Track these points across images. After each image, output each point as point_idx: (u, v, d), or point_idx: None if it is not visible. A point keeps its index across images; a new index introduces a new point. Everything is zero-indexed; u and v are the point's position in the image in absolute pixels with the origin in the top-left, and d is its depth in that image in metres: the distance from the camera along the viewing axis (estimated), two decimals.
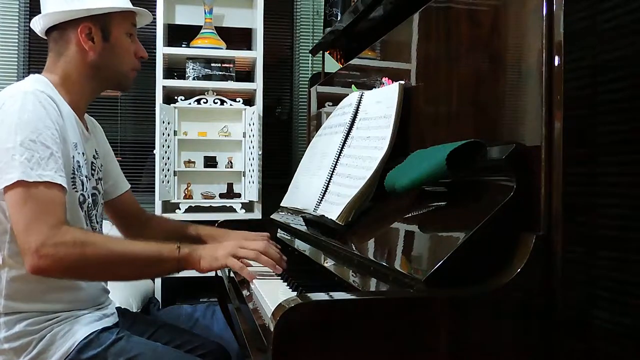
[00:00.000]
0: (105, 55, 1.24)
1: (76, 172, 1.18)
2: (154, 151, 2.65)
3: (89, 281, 1.22)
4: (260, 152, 2.71)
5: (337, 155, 1.31)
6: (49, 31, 1.26)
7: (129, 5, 1.28)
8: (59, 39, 1.24)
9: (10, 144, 1.05)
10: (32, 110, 1.08)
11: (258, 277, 1.15)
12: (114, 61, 1.26)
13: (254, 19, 2.82)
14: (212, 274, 1.94)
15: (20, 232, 1.03)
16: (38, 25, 1.26)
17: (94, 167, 1.29)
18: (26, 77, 1.22)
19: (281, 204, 1.67)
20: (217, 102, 2.75)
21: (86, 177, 1.23)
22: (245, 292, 1.16)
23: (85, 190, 1.22)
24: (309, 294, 0.72)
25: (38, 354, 1.11)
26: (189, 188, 2.81)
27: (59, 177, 1.07)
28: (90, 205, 1.24)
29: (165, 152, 2.67)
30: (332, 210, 1.16)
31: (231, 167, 2.84)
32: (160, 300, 2.63)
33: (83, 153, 1.23)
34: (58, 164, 1.08)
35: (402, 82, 1.19)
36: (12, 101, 1.09)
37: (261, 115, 2.73)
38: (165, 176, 2.66)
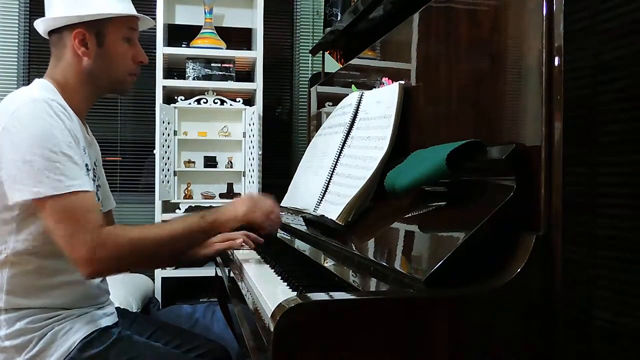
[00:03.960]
0: (99, 61, 1.23)
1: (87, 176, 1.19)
2: (154, 151, 2.65)
3: (141, 268, 1.37)
4: (260, 152, 2.72)
5: (337, 155, 1.31)
6: (50, 34, 1.26)
7: (127, 10, 1.26)
8: (57, 42, 1.24)
9: (33, 156, 1.05)
10: (47, 120, 1.09)
11: (257, 279, 1.16)
12: (108, 67, 1.25)
13: (254, 19, 2.82)
14: (212, 273, 1.94)
15: (66, 246, 1.06)
16: (40, 27, 1.26)
17: (95, 173, 1.30)
18: (32, 83, 1.22)
19: (281, 204, 1.67)
20: (217, 102, 2.75)
21: (93, 180, 1.24)
22: (245, 292, 1.16)
23: None
24: (309, 294, 0.72)
25: (39, 352, 1.11)
26: (189, 188, 2.81)
27: (85, 183, 1.10)
28: None
29: (165, 152, 2.67)
30: (332, 210, 1.16)
31: (231, 167, 2.84)
32: (160, 300, 2.64)
33: (89, 157, 1.24)
34: (82, 170, 1.11)
35: (402, 82, 1.19)
36: (26, 110, 1.09)
37: (261, 115, 2.73)
38: (165, 176, 2.66)
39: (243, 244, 1.47)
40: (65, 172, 1.06)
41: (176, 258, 1.38)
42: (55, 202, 1.05)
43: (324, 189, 1.29)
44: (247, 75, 3.00)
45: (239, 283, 1.26)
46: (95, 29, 1.22)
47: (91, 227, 1.06)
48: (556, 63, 0.75)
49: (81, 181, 1.09)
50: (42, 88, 1.19)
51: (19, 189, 1.06)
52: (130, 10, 1.27)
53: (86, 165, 1.19)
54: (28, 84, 1.25)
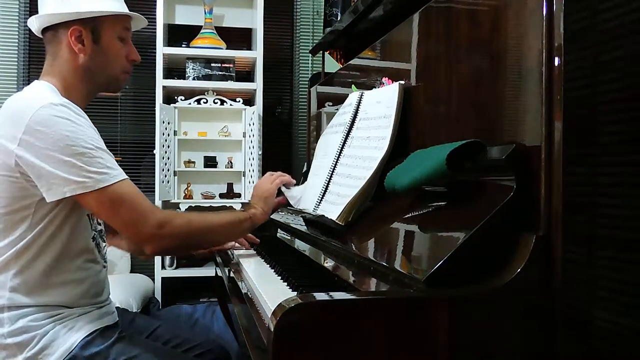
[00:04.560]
0: (95, 58, 1.24)
1: None
2: (154, 151, 2.65)
3: (195, 250, 1.47)
4: (260, 152, 2.72)
5: (337, 155, 1.31)
6: (44, 31, 1.26)
7: (122, 9, 1.27)
8: (52, 40, 1.24)
9: (66, 157, 1.08)
10: (75, 121, 1.11)
11: (257, 279, 1.16)
12: (104, 64, 1.26)
13: (254, 19, 2.82)
14: (212, 273, 1.95)
15: (132, 228, 1.14)
16: (33, 25, 1.26)
17: None
18: (32, 85, 1.22)
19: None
20: (217, 102, 2.75)
21: None
22: (245, 292, 1.16)
23: None
24: (309, 294, 0.72)
25: (41, 350, 1.12)
26: (189, 188, 2.81)
27: (122, 172, 1.15)
28: None
29: (165, 152, 2.67)
30: (332, 210, 1.16)
31: (231, 167, 2.84)
32: (160, 300, 2.64)
33: None
34: (114, 160, 1.16)
35: (402, 82, 1.19)
36: (46, 114, 1.09)
37: (261, 115, 2.73)
38: (165, 176, 2.66)
39: (237, 244, 1.57)
40: (107, 164, 1.12)
41: (226, 242, 1.52)
42: (107, 193, 1.10)
43: (324, 189, 1.29)
44: (247, 75, 3.00)
45: (239, 283, 1.26)
46: (91, 26, 1.23)
47: (150, 207, 1.15)
48: (556, 63, 0.75)
49: (120, 170, 1.14)
50: (48, 90, 1.18)
51: (63, 186, 1.08)
52: (125, 9, 1.29)
53: None
54: (28, 84, 1.24)
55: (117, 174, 1.12)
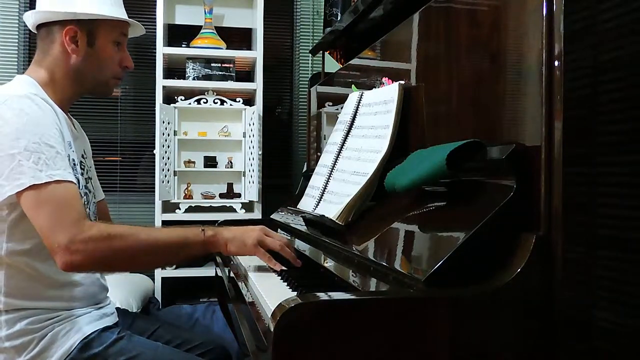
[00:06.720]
0: (87, 60, 1.24)
1: (73, 170, 1.18)
2: (154, 151, 2.65)
3: (120, 272, 1.28)
4: (260, 152, 2.72)
5: (336, 156, 1.31)
6: (38, 27, 1.26)
7: (121, 15, 1.27)
8: (46, 37, 1.24)
9: (14, 149, 1.05)
10: (31, 114, 1.09)
11: (257, 279, 1.16)
12: (95, 67, 1.26)
13: (254, 19, 2.82)
14: (212, 273, 1.95)
15: (46, 233, 1.05)
16: (29, 20, 1.26)
17: (82, 166, 1.29)
18: (13, 80, 1.22)
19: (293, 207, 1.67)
20: (217, 102, 2.75)
21: (81, 174, 1.24)
22: (245, 292, 1.16)
23: (81, 187, 1.22)
24: (309, 294, 0.72)
25: (39, 353, 1.11)
26: (189, 188, 2.81)
27: (68, 174, 1.09)
28: (85, 202, 1.24)
29: (165, 152, 2.67)
30: (332, 210, 1.15)
31: (231, 167, 2.84)
32: (160, 300, 2.64)
33: (75, 151, 1.23)
34: (65, 161, 1.10)
35: (402, 82, 1.19)
36: (7, 107, 1.09)
37: (261, 115, 2.73)
38: (165, 176, 2.66)
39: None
40: (47, 162, 1.06)
41: (168, 264, 1.33)
42: (36, 192, 1.04)
43: (323, 189, 1.29)
44: (247, 75, 3.00)
45: (239, 283, 1.26)
46: (87, 28, 1.23)
47: (73, 218, 1.04)
48: (556, 63, 0.75)
49: (64, 172, 1.08)
50: (24, 84, 1.18)
51: (3, 186, 1.05)
52: (124, 16, 1.28)
53: (72, 160, 1.19)
54: None
55: (55, 173, 1.06)
